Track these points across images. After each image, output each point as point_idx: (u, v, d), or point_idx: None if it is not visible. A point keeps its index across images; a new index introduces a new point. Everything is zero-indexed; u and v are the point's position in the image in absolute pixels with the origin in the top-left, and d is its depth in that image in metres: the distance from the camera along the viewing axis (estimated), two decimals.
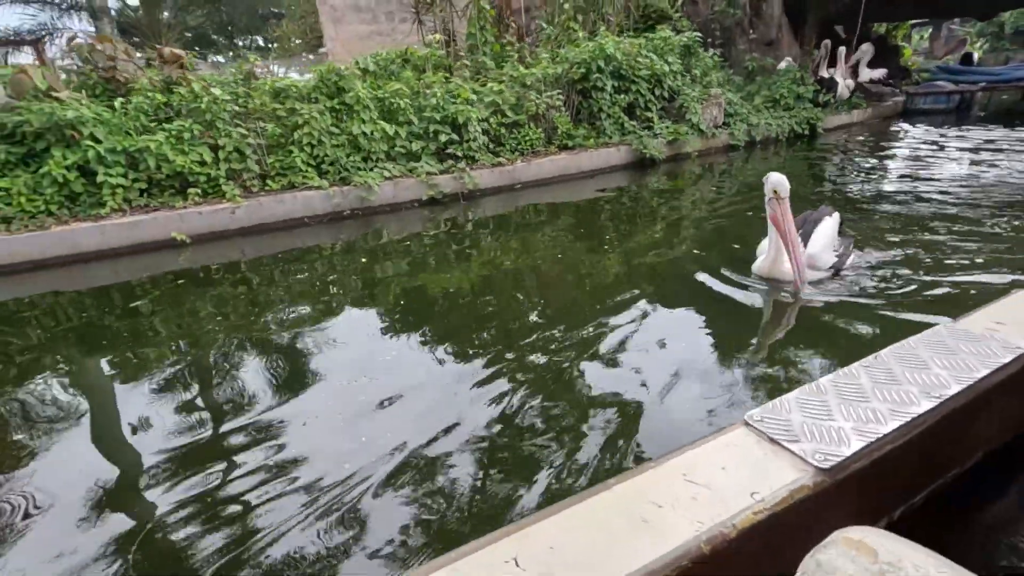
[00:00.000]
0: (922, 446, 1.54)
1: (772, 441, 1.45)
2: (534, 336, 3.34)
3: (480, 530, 1.55)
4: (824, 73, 12.18)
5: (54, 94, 5.52)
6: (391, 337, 3.55)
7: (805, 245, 3.59)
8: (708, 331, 3.35)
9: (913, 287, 3.62)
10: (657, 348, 3.14)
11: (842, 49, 12.74)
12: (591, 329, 3.37)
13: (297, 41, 22.44)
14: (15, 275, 5.07)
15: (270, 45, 20.74)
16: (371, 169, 6.80)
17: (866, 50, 14.27)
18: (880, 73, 14.01)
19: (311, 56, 19.39)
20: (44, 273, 5.14)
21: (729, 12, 13.36)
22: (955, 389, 1.62)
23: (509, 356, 3.12)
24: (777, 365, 2.87)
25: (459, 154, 7.41)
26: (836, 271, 3.77)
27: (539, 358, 3.08)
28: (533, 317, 3.68)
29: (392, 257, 5.32)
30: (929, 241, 4.56)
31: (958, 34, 42.40)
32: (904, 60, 16.88)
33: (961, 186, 6.63)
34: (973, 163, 8.20)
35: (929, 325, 2.11)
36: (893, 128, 13.04)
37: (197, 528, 2.01)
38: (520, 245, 5.46)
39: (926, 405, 1.56)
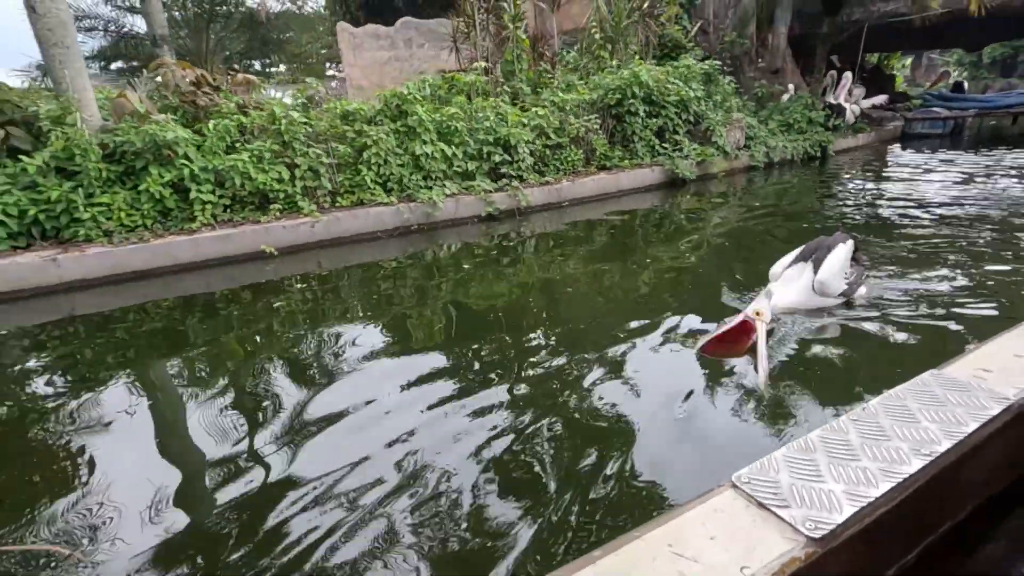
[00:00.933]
0: (914, 506, 1.51)
1: (761, 506, 1.40)
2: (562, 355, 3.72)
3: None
4: (831, 99, 12.91)
5: (152, 117, 5.89)
6: (463, 342, 3.90)
7: (816, 271, 3.60)
8: (699, 366, 3.25)
9: (918, 321, 3.56)
10: (650, 379, 3.12)
11: (847, 75, 13.53)
12: (607, 348, 3.50)
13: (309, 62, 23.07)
14: (120, 284, 5.36)
15: (291, 66, 21.31)
16: (430, 187, 7.21)
17: (849, 77, 15.06)
18: (882, 99, 14.85)
19: (332, 83, 19.97)
20: (144, 283, 5.44)
21: (738, 43, 14.14)
22: (946, 445, 1.59)
23: (513, 385, 3.48)
24: (769, 405, 2.79)
25: (512, 173, 7.86)
26: (846, 299, 3.74)
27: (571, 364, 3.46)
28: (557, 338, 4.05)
29: (460, 268, 5.70)
30: (939, 272, 4.55)
31: (937, 63, 44.37)
32: (896, 87, 17.87)
33: (970, 208, 7.03)
34: (976, 185, 8.72)
35: (927, 362, 2.14)
36: (895, 151, 13.80)
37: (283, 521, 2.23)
38: (569, 259, 5.86)
39: (917, 464, 1.52)
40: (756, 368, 2.99)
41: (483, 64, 8.98)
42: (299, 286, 5.30)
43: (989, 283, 4.29)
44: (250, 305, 4.84)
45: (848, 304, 3.74)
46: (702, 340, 3.30)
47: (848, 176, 10.59)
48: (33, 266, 5.09)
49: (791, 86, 13.19)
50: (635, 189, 9.05)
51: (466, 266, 5.76)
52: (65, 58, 5.76)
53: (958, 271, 4.57)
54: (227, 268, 5.82)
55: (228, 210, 6.23)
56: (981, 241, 5.49)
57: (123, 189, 5.78)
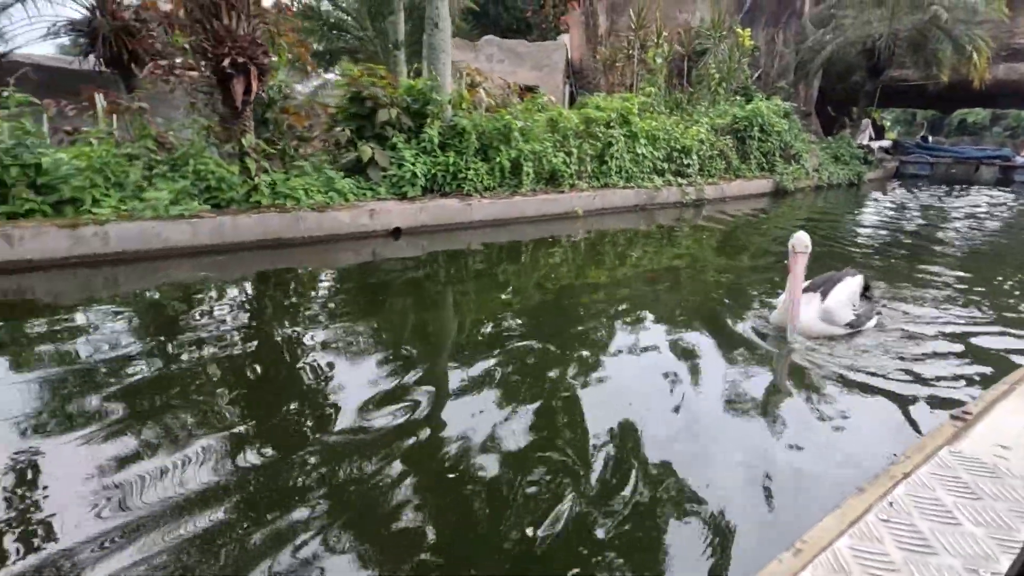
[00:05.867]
0: None
1: None
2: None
3: None
4: (861, 141, 16.46)
5: (500, 109, 8.05)
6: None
7: (824, 299, 3.66)
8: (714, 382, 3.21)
9: (927, 360, 3.40)
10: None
11: (867, 122, 17.18)
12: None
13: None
14: (483, 229, 7.40)
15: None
16: (651, 178, 9.69)
17: (868, 124, 18.94)
18: (887, 143, 18.66)
19: None
20: (504, 228, 7.55)
21: (783, 90, 17.54)
22: (1004, 562, 1.36)
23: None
24: (766, 449, 2.49)
25: (690, 173, 10.46)
26: (853, 329, 3.72)
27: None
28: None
29: (684, 233, 8.21)
30: (955, 300, 4.69)
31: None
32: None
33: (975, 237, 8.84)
34: (973, 218, 11.50)
35: (928, 402, 2.47)
36: (894, 183, 17.56)
37: None
38: (755, 228, 8.47)
39: None
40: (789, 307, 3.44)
41: (652, 90, 11.58)
42: (593, 235, 7.64)
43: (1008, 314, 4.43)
44: (576, 242, 7.13)
45: (855, 334, 3.75)
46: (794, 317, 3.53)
47: (875, 195, 14.07)
48: (453, 207, 7.14)
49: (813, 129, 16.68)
50: (757, 194, 11.90)
51: (685, 231, 8.27)
52: (445, 62, 7.85)
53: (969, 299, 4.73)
54: (549, 223, 8.01)
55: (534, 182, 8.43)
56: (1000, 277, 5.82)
57: (479, 162, 7.88)
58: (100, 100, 5.88)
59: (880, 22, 14.45)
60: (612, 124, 9.65)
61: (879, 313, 4.05)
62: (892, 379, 3.12)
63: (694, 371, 3.29)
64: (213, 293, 4.66)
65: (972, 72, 14.66)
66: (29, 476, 2.13)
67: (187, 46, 6.67)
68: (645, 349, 3.64)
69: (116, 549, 1.74)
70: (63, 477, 2.11)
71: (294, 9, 7.06)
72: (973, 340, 3.76)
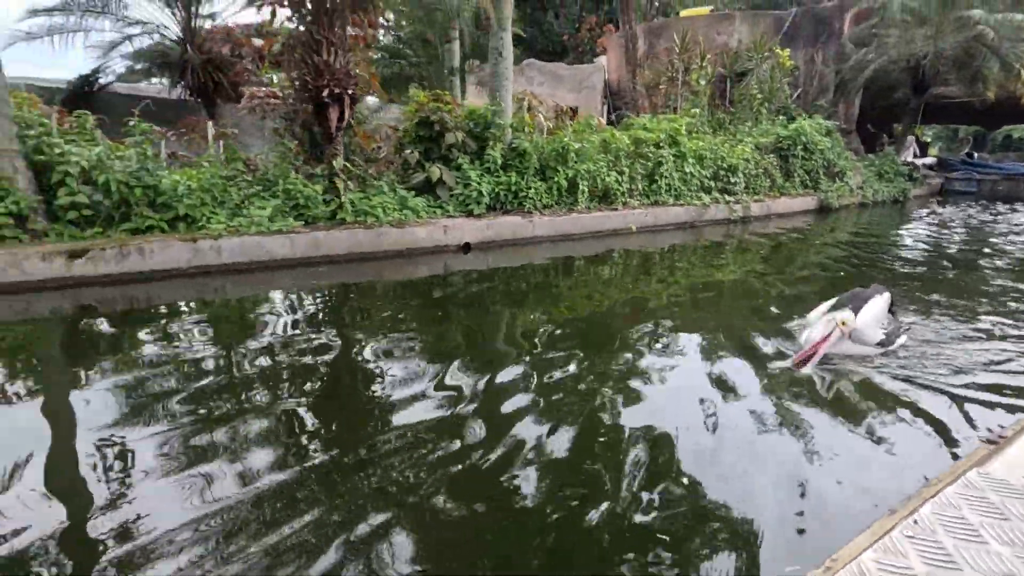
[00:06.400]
0: None
1: None
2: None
3: None
4: (906, 158, 16.40)
5: (557, 131, 8.51)
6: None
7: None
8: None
9: (964, 381, 3.31)
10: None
11: (911, 139, 17.11)
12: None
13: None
14: (543, 243, 7.81)
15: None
16: (699, 196, 9.97)
17: (912, 141, 18.83)
18: (932, 160, 18.50)
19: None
20: (563, 243, 7.94)
21: (823, 108, 17.63)
22: None
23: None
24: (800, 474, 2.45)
25: (736, 190, 10.71)
26: (883, 348, 3.67)
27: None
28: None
29: (726, 250, 8.42)
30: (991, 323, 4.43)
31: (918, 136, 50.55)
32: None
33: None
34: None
35: (959, 428, 2.43)
36: (940, 201, 17.33)
37: None
38: (798, 244, 8.65)
39: None
40: (804, 353, 3.28)
41: (697, 110, 11.92)
42: (648, 250, 7.94)
43: None
44: (631, 257, 7.44)
45: (885, 354, 3.67)
46: (797, 356, 3.45)
47: (921, 212, 13.96)
48: (516, 223, 7.58)
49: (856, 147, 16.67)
50: (802, 211, 12.03)
51: (732, 247, 8.49)
52: (508, 89, 8.38)
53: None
54: (602, 239, 8.38)
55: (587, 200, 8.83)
56: None
57: (538, 181, 8.33)
58: (210, 128, 6.53)
59: (925, 41, 14.53)
60: (661, 144, 10.01)
61: (907, 330, 3.95)
62: (926, 400, 3.08)
63: (730, 386, 3.30)
64: (320, 299, 5.16)
65: (1020, 89, 14.56)
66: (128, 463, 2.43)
67: (274, 77, 7.37)
68: (685, 363, 3.70)
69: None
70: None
71: (369, 42, 7.64)
72: (1018, 362, 3.62)
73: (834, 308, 3.70)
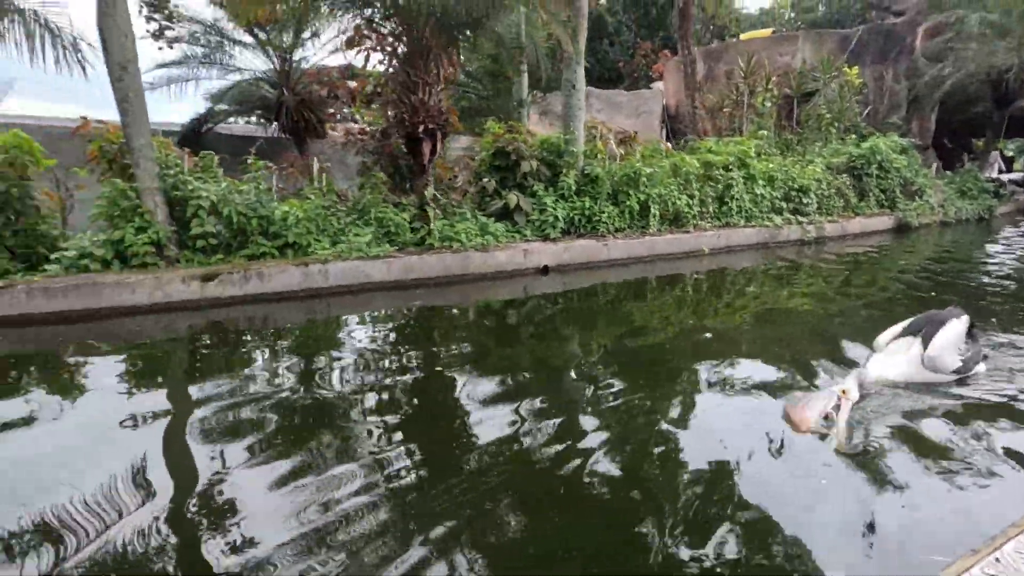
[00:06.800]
0: None
1: None
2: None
3: None
4: (992, 174, 15.59)
5: (628, 156, 8.76)
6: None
7: (925, 347, 3.38)
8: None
9: None
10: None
11: (995, 154, 16.26)
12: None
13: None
14: (617, 266, 7.97)
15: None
16: (761, 218, 9.91)
17: (996, 156, 17.85)
18: (1018, 175, 17.47)
19: None
20: (636, 265, 8.08)
21: (894, 125, 17.07)
22: None
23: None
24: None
25: (808, 211, 10.55)
26: (960, 375, 3.44)
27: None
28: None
29: (799, 273, 8.24)
30: None
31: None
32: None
33: None
34: None
35: None
36: None
37: None
38: (879, 265, 8.34)
39: None
40: (834, 433, 2.85)
41: (765, 134, 11.89)
42: (720, 272, 7.92)
43: None
44: (703, 279, 7.44)
45: (962, 382, 3.45)
46: (792, 403, 3.18)
47: (1008, 230, 13.18)
48: (591, 246, 7.82)
49: (934, 164, 15.96)
50: (879, 231, 11.67)
51: (806, 268, 8.33)
52: (581, 119, 8.73)
53: None
54: (675, 261, 8.46)
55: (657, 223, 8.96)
56: None
57: (611, 206, 8.56)
58: (315, 163, 7.18)
59: (1007, 53, 13.93)
60: (730, 167, 10.05)
61: (986, 357, 3.71)
62: (1007, 432, 2.91)
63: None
64: (417, 320, 5.55)
65: None
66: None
67: (360, 116, 8.01)
68: (754, 387, 3.62)
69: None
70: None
71: (451, 80, 8.19)
72: None
73: (906, 331, 3.54)
